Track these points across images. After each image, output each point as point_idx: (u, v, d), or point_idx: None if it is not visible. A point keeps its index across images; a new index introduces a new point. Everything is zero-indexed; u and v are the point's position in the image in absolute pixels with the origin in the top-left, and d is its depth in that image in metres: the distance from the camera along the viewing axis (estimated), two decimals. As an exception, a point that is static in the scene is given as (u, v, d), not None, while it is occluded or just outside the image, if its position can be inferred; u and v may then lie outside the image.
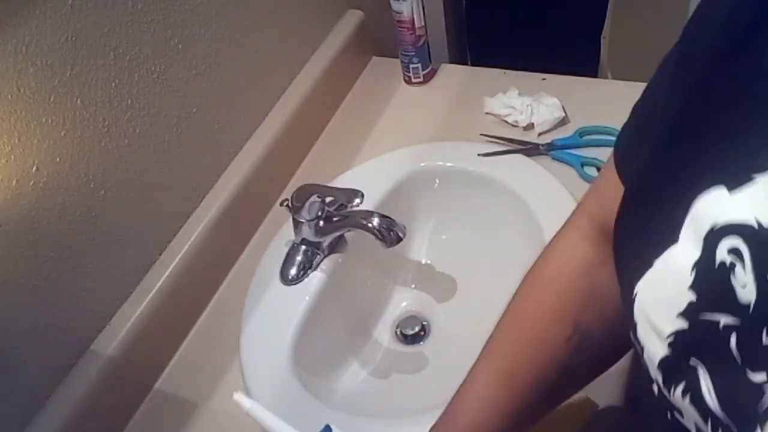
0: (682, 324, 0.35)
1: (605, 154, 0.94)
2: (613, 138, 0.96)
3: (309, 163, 1.04)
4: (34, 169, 0.64)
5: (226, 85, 0.89)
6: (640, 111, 0.50)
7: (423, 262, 0.98)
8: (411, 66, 1.10)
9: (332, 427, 0.56)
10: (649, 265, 0.38)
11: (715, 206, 0.34)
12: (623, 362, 0.73)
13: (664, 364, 0.37)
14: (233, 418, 0.77)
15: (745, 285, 0.32)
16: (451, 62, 1.28)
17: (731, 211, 0.33)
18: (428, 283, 0.96)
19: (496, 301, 0.90)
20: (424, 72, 1.11)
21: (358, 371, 0.87)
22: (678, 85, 0.41)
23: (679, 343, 0.36)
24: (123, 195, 0.75)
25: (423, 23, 1.07)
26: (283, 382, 0.77)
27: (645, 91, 0.48)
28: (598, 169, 0.93)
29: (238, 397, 0.58)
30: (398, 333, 0.91)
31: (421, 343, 0.90)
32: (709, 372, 0.35)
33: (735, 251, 0.33)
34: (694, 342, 0.35)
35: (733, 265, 0.32)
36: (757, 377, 0.32)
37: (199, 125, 0.85)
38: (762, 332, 0.32)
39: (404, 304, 0.95)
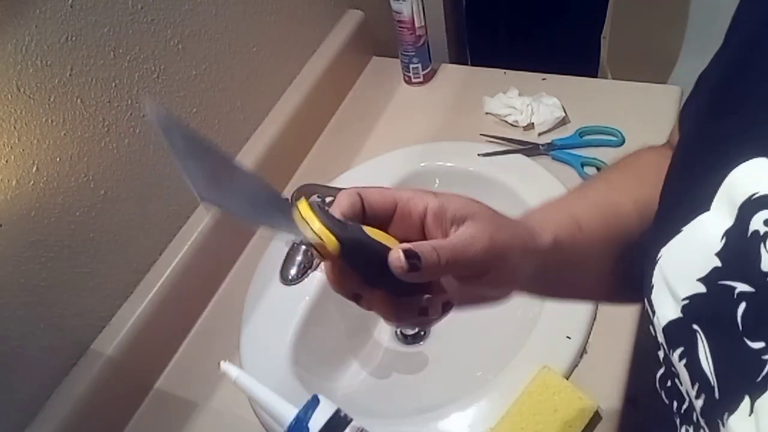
0: (700, 288, 0.36)
1: (605, 154, 0.94)
2: (614, 138, 0.96)
3: (309, 163, 1.04)
4: (34, 169, 0.64)
5: (226, 85, 0.89)
6: (702, 76, 0.48)
7: (423, 262, 0.98)
8: (411, 66, 1.10)
9: (320, 396, 0.56)
10: (676, 231, 0.38)
11: (754, 176, 0.34)
12: (623, 362, 0.73)
13: (669, 327, 0.38)
14: (233, 418, 0.77)
15: None
16: (451, 62, 1.28)
17: None
18: (428, 283, 0.96)
19: (496, 301, 0.90)
20: (424, 72, 1.11)
21: (358, 371, 0.87)
22: (719, 55, 0.41)
23: (693, 306, 0.36)
24: (123, 195, 0.75)
25: (423, 23, 1.07)
26: (283, 382, 0.77)
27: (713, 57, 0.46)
28: (598, 169, 0.93)
29: (225, 366, 0.58)
30: (398, 333, 0.91)
31: (421, 343, 0.90)
32: (707, 338, 0.35)
33: None
34: (705, 307, 0.36)
35: (766, 235, 0.32)
36: (756, 345, 0.32)
37: (199, 125, 0.85)
38: None
39: (404, 304, 0.95)
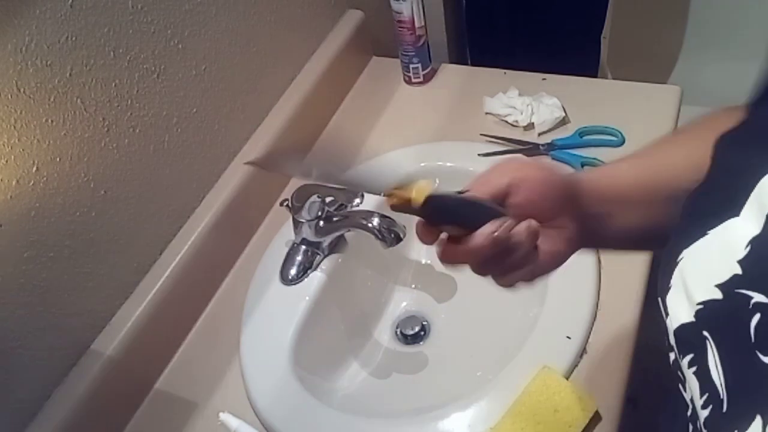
0: (717, 294, 0.35)
1: (605, 154, 0.94)
2: (613, 138, 0.96)
3: (309, 163, 1.04)
4: (34, 169, 0.64)
5: (226, 85, 0.89)
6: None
7: (423, 262, 0.98)
8: (411, 66, 1.10)
9: None
10: (702, 234, 0.37)
11: None
12: (623, 362, 0.73)
13: (681, 331, 0.37)
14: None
15: None
16: (451, 62, 1.28)
17: None
18: (428, 283, 0.96)
19: (496, 301, 0.90)
20: (424, 72, 1.11)
21: (358, 371, 0.87)
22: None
23: (707, 312, 0.36)
24: (123, 195, 0.75)
25: (423, 23, 1.07)
26: (283, 382, 0.77)
27: None
28: (598, 169, 0.92)
29: (225, 417, 0.58)
30: (398, 333, 0.91)
31: (421, 343, 0.90)
32: (717, 347, 0.34)
33: None
34: (719, 314, 0.35)
35: None
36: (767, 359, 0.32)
37: (199, 125, 0.85)
38: None
39: (404, 304, 0.95)
